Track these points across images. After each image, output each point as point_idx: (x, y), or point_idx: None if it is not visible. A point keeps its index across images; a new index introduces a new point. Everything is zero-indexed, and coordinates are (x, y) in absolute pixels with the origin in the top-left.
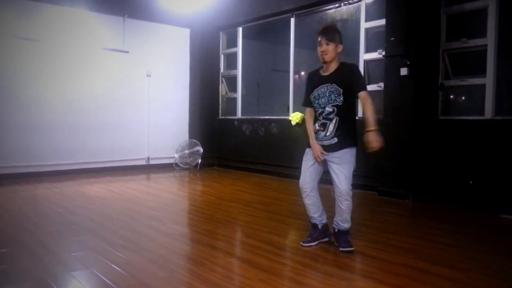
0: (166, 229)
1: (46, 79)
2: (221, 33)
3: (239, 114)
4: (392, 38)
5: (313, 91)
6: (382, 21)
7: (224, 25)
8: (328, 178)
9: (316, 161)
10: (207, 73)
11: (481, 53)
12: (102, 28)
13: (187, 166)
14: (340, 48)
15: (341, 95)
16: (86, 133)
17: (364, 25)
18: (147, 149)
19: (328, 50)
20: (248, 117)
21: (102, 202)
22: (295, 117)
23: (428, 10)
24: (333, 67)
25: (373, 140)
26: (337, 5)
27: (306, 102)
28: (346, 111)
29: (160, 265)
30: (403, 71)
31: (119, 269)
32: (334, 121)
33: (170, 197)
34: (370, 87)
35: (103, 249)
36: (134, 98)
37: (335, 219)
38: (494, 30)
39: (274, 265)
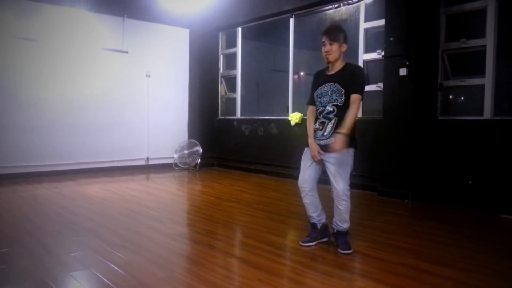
0: (166, 229)
1: (45, 79)
2: (220, 33)
3: (238, 114)
4: (392, 39)
5: (317, 89)
6: (382, 22)
7: (224, 25)
8: (327, 178)
9: (313, 160)
10: (206, 73)
11: (480, 53)
12: (102, 28)
13: (186, 166)
14: (344, 47)
15: (343, 96)
16: (85, 133)
17: (363, 25)
18: (146, 149)
19: (332, 50)
20: (248, 117)
21: (101, 202)
22: (294, 117)
23: (428, 10)
24: (337, 66)
25: (337, 142)
26: (336, 5)
27: (310, 100)
28: (346, 112)
29: (160, 265)
30: (402, 71)
31: (118, 269)
32: (333, 121)
33: (170, 197)
34: (369, 87)
35: (102, 249)
36: (133, 98)
37: (334, 219)
38: (493, 31)
39: (274, 265)
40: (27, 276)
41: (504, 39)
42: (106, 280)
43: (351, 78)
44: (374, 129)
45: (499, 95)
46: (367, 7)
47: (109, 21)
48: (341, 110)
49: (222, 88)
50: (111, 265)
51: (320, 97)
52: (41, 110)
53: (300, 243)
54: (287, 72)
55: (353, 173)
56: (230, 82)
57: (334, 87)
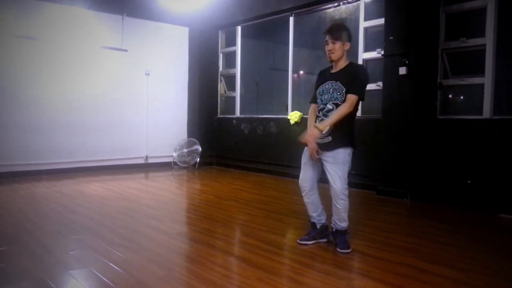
0: (165, 228)
1: (45, 77)
2: (220, 31)
3: (238, 113)
4: (391, 37)
5: (319, 86)
6: (381, 20)
7: (223, 23)
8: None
9: (311, 158)
10: (206, 71)
11: (480, 52)
12: (101, 26)
13: (185, 165)
14: (347, 46)
15: (344, 94)
16: (84, 132)
17: (363, 24)
18: (145, 147)
19: (335, 49)
20: (247, 116)
21: (100, 201)
22: (293, 116)
23: (427, 9)
24: (341, 65)
25: (310, 134)
26: (336, 4)
27: (313, 99)
28: None
29: (159, 264)
30: (402, 70)
31: (117, 268)
32: None
33: (169, 196)
34: (369, 86)
35: (101, 248)
36: (133, 97)
37: (332, 218)
38: (493, 30)
39: (273, 264)
40: (26, 275)
41: (503, 38)
42: (105, 279)
43: (352, 77)
44: (373, 128)
45: (499, 94)
46: (366, 5)
47: (109, 20)
48: None
49: (221, 87)
50: (110, 263)
51: (322, 95)
52: (41, 109)
53: (298, 240)
54: (287, 70)
55: (352, 172)
56: (230, 81)
57: (335, 85)
